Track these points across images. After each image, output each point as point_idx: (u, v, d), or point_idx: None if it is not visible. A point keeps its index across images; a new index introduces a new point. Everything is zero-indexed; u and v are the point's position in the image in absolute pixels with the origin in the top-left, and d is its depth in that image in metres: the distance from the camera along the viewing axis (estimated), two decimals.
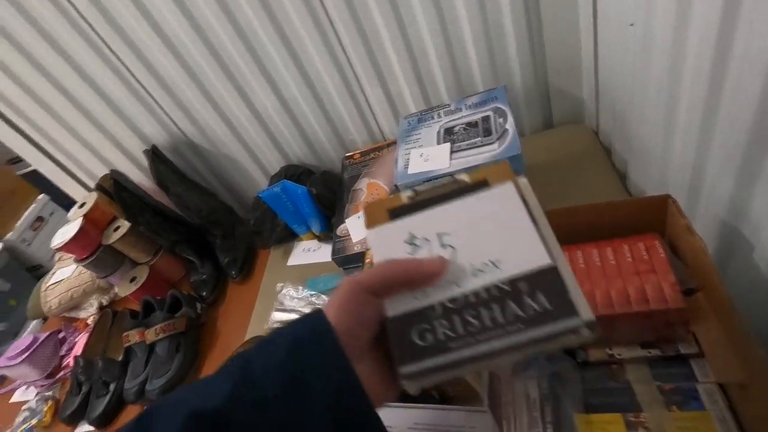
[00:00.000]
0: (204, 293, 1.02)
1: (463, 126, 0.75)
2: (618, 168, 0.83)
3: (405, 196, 0.37)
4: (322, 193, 0.93)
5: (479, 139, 0.71)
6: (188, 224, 1.06)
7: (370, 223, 0.36)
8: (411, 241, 0.34)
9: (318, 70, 0.94)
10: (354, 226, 0.89)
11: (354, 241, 0.87)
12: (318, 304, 0.84)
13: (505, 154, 0.66)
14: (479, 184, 0.35)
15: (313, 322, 0.30)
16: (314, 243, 1.01)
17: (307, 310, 0.86)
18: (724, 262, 0.50)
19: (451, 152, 0.71)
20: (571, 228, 0.53)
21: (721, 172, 0.45)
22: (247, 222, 1.02)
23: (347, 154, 1.05)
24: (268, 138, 1.06)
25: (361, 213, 0.90)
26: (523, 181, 0.35)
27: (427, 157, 0.73)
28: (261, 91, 0.98)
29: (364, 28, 0.87)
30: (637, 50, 0.57)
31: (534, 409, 0.47)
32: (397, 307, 0.31)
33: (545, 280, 0.29)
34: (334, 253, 0.88)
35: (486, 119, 0.74)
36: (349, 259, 0.86)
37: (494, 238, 0.32)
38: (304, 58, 0.92)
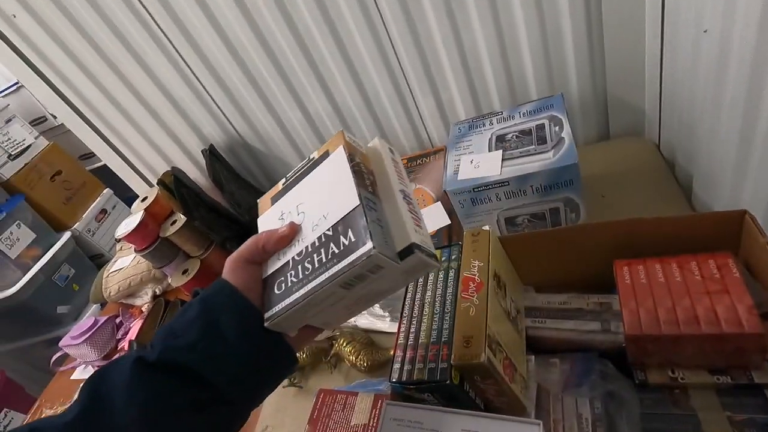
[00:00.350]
0: None
1: (516, 134, 0.73)
2: (682, 183, 0.78)
3: (281, 183, 0.45)
4: None
5: (533, 147, 0.69)
6: (240, 222, 1.10)
7: (260, 212, 0.44)
8: (281, 217, 0.41)
9: (370, 76, 0.95)
10: None
11: None
12: None
13: (560, 163, 0.64)
14: (323, 156, 0.41)
15: (214, 285, 0.39)
16: None
17: None
18: None
19: (503, 159, 0.70)
20: (632, 242, 0.50)
21: None
22: None
23: None
24: (318, 140, 1.09)
25: None
26: (375, 142, 0.43)
27: (478, 163, 0.72)
28: (314, 95, 1.00)
29: (419, 32, 0.87)
30: (711, 59, 0.54)
31: (586, 429, 0.45)
32: (268, 269, 0.39)
33: (353, 219, 0.35)
34: None
35: (541, 127, 0.72)
36: None
37: (326, 197, 0.38)
38: (357, 62, 0.94)
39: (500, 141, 0.74)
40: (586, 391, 0.46)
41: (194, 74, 1.00)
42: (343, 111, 1.03)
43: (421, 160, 1.02)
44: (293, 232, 0.39)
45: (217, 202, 1.08)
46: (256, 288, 0.39)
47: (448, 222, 0.86)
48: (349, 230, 0.34)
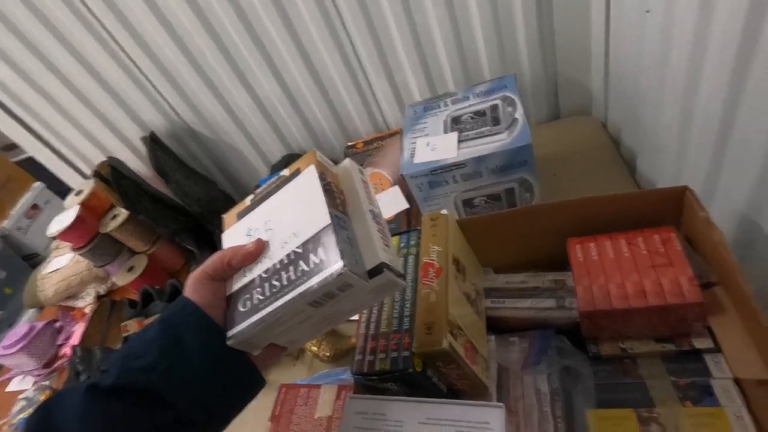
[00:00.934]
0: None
1: (471, 115, 0.73)
2: (627, 160, 0.81)
3: (248, 199, 0.43)
4: None
5: (487, 128, 0.69)
6: (188, 213, 1.04)
7: (225, 227, 0.43)
8: (248, 233, 0.40)
9: (322, 58, 0.92)
10: None
11: None
12: None
13: (515, 144, 0.64)
14: (294, 174, 0.41)
15: (176, 303, 0.37)
16: None
17: None
18: (742, 256, 0.49)
19: (459, 141, 0.69)
20: (584, 220, 0.52)
21: (741, 164, 0.44)
22: None
23: (350, 143, 1.03)
24: (269, 126, 1.04)
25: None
26: (346, 163, 0.43)
27: (434, 146, 0.71)
28: (264, 78, 0.95)
29: (371, 14, 0.84)
30: (654, 38, 0.56)
31: (545, 404, 0.47)
32: (232, 286, 0.38)
33: (324, 237, 0.34)
34: None
35: (494, 108, 0.72)
36: None
37: (296, 215, 0.38)
38: (308, 44, 0.90)
39: (455, 122, 0.73)
40: (544, 368, 0.48)
41: (129, 57, 0.92)
42: (294, 94, 0.99)
43: (377, 143, 1.00)
44: (260, 248, 0.38)
45: (163, 193, 1.02)
46: (220, 305, 0.37)
47: (407, 206, 0.86)
48: (320, 248, 0.34)
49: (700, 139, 0.50)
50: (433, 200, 0.73)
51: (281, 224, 0.38)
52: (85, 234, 0.98)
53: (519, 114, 0.69)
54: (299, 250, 0.35)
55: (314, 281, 0.33)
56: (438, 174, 0.69)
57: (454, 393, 0.48)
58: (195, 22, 0.86)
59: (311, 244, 0.35)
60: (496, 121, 0.70)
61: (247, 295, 0.36)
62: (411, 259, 0.51)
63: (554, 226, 0.54)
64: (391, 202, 0.87)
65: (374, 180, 0.93)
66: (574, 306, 0.52)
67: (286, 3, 0.84)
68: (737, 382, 0.42)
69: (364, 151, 1.00)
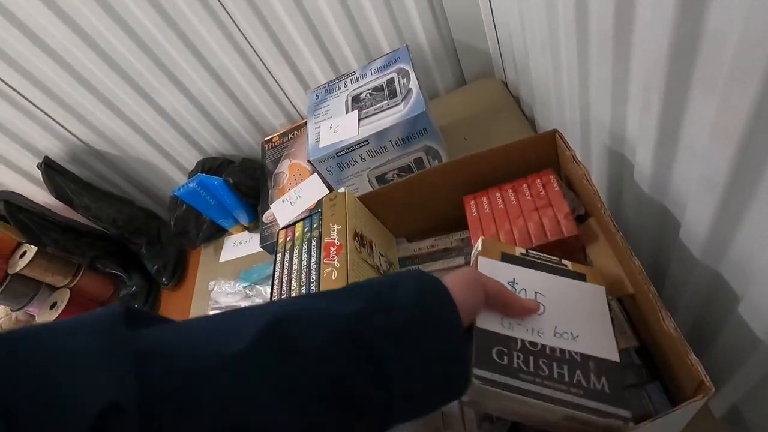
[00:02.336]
0: (136, 306, 0.96)
1: (369, 91, 0.73)
2: (527, 115, 0.85)
3: (518, 250, 0.43)
4: (242, 181, 0.89)
5: (385, 102, 0.70)
6: (107, 237, 0.99)
7: (485, 253, 0.42)
8: (512, 283, 0.40)
9: (220, 59, 0.89)
10: (280, 211, 0.86)
11: (282, 225, 0.84)
12: (252, 296, 0.82)
13: (410, 113, 0.65)
14: (578, 275, 0.41)
15: (433, 284, 0.32)
16: (245, 235, 0.98)
17: (243, 304, 0.83)
18: (617, 186, 0.53)
19: (359, 119, 0.70)
20: (477, 176, 0.54)
21: (599, 101, 0.46)
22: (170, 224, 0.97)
23: (266, 138, 1.01)
24: (179, 134, 1.00)
25: (285, 197, 0.88)
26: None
27: (337, 127, 0.71)
28: (163, 88, 0.91)
29: (259, 8, 0.82)
30: None
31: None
32: (485, 323, 0.36)
33: (610, 371, 0.35)
34: (262, 240, 0.85)
35: (390, 81, 0.73)
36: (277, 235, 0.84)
37: (578, 317, 0.38)
38: (202, 47, 0.87)
39: (356, 101, 0.74)
40: None
41: (8, 85, 0.85)
42: (199, 99, 0.95)
43: (293, 134, 0.98)
44: (535, 311, 0.37)
45: (73, 220, 0.96)
46: (469, 318, 0.35)
47: (327, 192, 0.85)
48: (604, 378, 0.35)
49: (569, 85, 0.53)
50: (346, 181, 0.74)
51: (557, 310, 0.38)
52: None
53: (413, 84, 0.70)
54: (577, 358, 0.36)
55: (590, 405, 0.33)
56: (344, 155, 0.69)
57: None
58: (75, 40, 0.81)
59: (592, 363, 0.35)
60: (393, 94, 0.70)
61: (505, 350, 0.35)
62: (314, 242, 0.51)
63: (452, 187, 0.55)
64: (311, 190, 0.86)
65: (293, 171, 0.92)
66: None
67: (171, 10, 0.80)
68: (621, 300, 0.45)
69: (281, 144, 0.98)
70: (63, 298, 0.97)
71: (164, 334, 0.27)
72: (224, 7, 0.82)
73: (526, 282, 0.40)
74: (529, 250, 0.42)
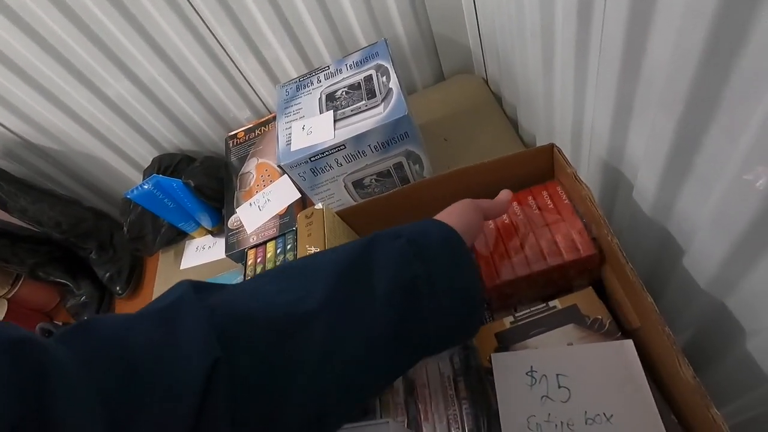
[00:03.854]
0: (86, 318, 0.87)
1: (345, 89, 0.67)
2: (509, 115, 0.82)
3: (506, 321, 0.40)
4: (204, 183, 0.82)
5: (363, 102, 0.64)
6: (50, 241, 0.89)
7: (482, 349, 0.40)
8: (530, 373, 0.37)
9: (176, 45, 0.80)
10: (246, 216, 0.80)
11: (249, 232, 0.78)
12: None
13: (391, 116, 0.60)
14: (571, 311, 0.38)
15: (452, 235, 0.36)
16: (208, 239, 0.90)
17: None
18: (609, 200, 0.50)
19: (335, 120, 0.64)
20: (469, 189, 0.49)
21: (597, 111, 0.43)
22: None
23: (230, 134, 0.93)
24: (130, 127, 0.91)
25: (252, 200, 0.81)
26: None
27: (310, 129, 0.65)
28: (110, 76, 0.81)
29: None
30: None
31: (449, 387, 0.45)
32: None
33: None
34: (228, 249, 0.78)
35: (368, 79, 0.67)
36: (246, 254, 0.77)
37: (609, 390, 0.34)
38: (154, 31, 0.77)
39: (330, 100, 0.68)
40: (446, 353, 0.46)
41: None
42: (152, 89, 0.86)
43: (260, 130, 0.91)
44: (507, 200, 0.43)
45: (8, 223, 0.85)
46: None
47: (299, 195, 0.79)
48: None
49: (562, 91, 0.50)
50: (320, 187, 0.68)
51: (585, 389, 0.35)
52: None
53: (393, 83, 0.64)
54: None
55: None
56: (318, 160, 0.63)
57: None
58: (2, 21, 0.70)
59: None
60: (371, 94, 0.65)
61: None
62: None
63: (441, 200, 0.51)
64: (282, 194, 0.80)
65: (260, 171, 0.85)
66: None
67: None
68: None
69: (247, 141, 0.91)
70: (1, 311, 0.87)
71: (236, 300, 0.29)
72: None
73: (544, 367, 0.37)
74: (515, 315, 0.40)
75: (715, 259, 0.33)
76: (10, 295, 0.89)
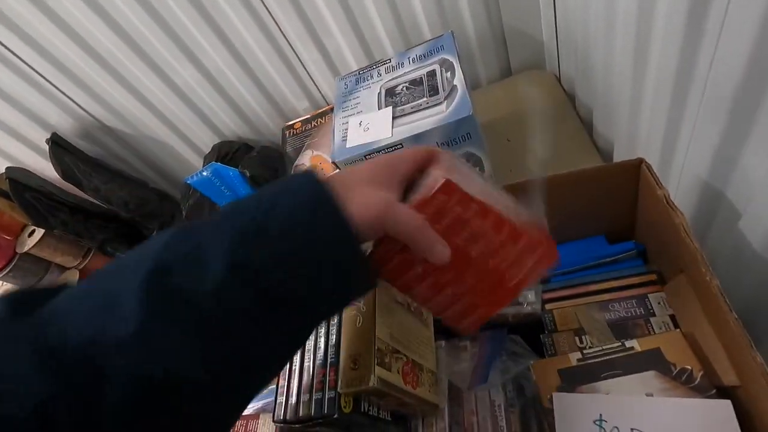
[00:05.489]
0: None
1: (407, 84, 0.64)
2: (583, 117, 0.75)
3: (574, 358, 0.35)
4: (259, 173, 0.82)
5: (425, 99, 0.61)
6: (118, 218, 0.94)
7: (543, 383, 0.35)
8: (599, 424, 0.32)
9: (241, 35, 0.80)
10: None
11: None
12: None
13: (454, 116, 0.57)
14: (653, 354, 0.32)
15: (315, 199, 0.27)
16: None
17: None
18: (702, 228, 0.44)
19: (394, 118, 0.61)
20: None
21: (702, 126, 0.37)
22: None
23: (287, 124, 0.93)
24: (195, 114, 0.93)
25: None
26: None
27: (368, 125, 0.63)
28: (177, 63, 0.84)
29: None
30: None
31: (500, 416, 0.41)
32: None
33: None
34: None
35: (431, 74, 0.63)
36: None
37: None
38: (223, 22, 0.78)
39: (390, 95, 0.65)
40: (497, 378, 0.42)
41: (18, 57, 0.79)
42: (216, 77, 0.87)
43: (316, 122, 0.90)
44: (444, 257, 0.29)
45: (83, 199, 0.91)
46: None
47: None
48: None
49: (654, 98, 0.43)
50: None
51: None
52: (0, 257, 0.88)
53: (458, 80, 0.60)
54: None
55: None
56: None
57: (400, 417, 0.43)
58: (85, 11, 0.74)
59: None
60: (434, 90, 0.61)
61: None
62: None
63: None
64: None
65: (315, 164, 0.84)
66: (529, 300, 0.47)
67: None
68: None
69: (303, 132, 0.90)
70: (73, 279, 0.93)
71: (54, 320, 0.24)
72: None
73: (616, 416, 0.32)
74: (584, 352, 0.35)
75: None
76: (81, 266, 0.95)
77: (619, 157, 0.62)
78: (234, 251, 0.25)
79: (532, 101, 0.80)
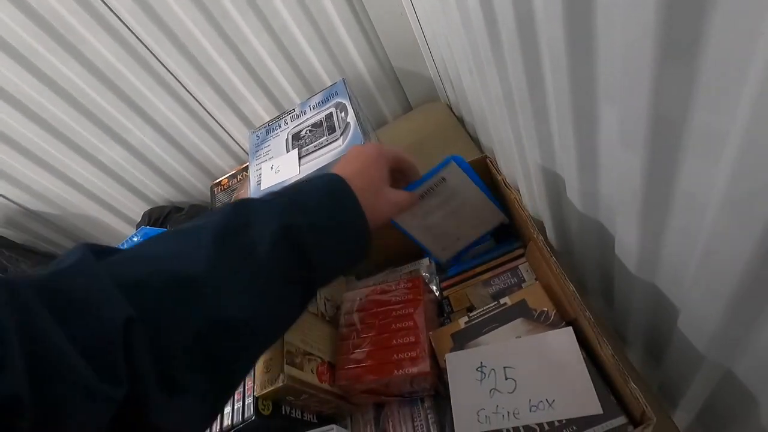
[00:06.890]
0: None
1: (309, 128, 0.72)
2: (472, 135, 0.85)
3: (462, 321, 0.42)
4: None
5: (325, 138, 0.69)
6: None
7: (438, 348, 0.42)
8: (480, 368, 0.38)
9: (157, 107, 0.87)
10: None
11: None
12: None
13: (348, 147, 0.64)
14: (521, 305, 0.40)
15: (338, 186, 0.38)
16: None
17: None
18: (557, 204, 0.52)
19: (300, 158, 0.68)
20: None
21: (526, 120, 0.46)
22: None
23: (215, 182, 0.98)
24: (123, 187, 0.97)
25: None
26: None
27: (278, 167, 0.69)
28: (99, 142, 0.88)
29: (192, 53, 0.81)
30: (452, 10, 0.58)
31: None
32: (463, 427, 0.37)
33: (593, 424, 0.33)
34: None
35: (329, 116, 0.72)
36: None
37: (551, 376, 0.36)
38: (139, 99, 0.84)
39: (296, 139, 0.72)
40: None
41: None
42: (140, 149, 0.92)
43: (242, 175, 0.96)
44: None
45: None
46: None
47: None
48: None
49: (497, 104, 0.53)
50: None
51: (529, 379, 0.36)
52: None
53: (350, 118, 0.69)
54: (557, 425, 0.34)
55: None
56: None
57: (327, 419, 0.46)
58: (6, 107, 0.78)
59: (575, 427, 0.34)
60: (331, 129, 0.69)
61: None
62: None
63: None
64: None
65: None
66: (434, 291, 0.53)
67: (101, 63, 0.78)
68: None
69: (230, 186, 0.95)
70: None
71: (133, 264, 0.30)
72: (156, 57, 0.80)
73: (492, 360, 0.38)
74: (470, 315, 0.42)
75: (634, 235, 0.34)
76: None
77: (500, 161, 0.72)
78: (284, 216, 0.34)
79: (428, 129, 0.90)
